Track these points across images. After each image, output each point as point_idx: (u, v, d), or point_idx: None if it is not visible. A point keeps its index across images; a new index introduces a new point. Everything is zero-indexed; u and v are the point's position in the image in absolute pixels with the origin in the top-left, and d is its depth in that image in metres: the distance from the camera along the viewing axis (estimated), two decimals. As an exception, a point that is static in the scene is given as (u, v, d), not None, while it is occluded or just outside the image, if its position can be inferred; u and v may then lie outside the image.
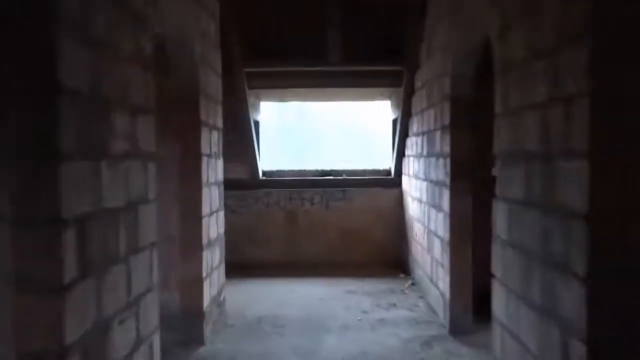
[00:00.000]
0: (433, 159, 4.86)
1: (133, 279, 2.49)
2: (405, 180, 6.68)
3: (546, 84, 2.33)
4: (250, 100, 6.77)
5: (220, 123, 4.71)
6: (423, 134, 5.42)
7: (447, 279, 4.33)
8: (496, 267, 3.03)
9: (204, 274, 4.07)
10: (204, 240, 4.09)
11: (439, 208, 4.62)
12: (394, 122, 7.15)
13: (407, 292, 5.66)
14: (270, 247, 6.94)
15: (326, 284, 5.99)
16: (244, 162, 6.94)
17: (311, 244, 6.93)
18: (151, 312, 2.72)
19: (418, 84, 5.76)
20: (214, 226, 4.42)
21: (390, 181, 7.04)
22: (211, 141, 4.35)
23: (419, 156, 5.64)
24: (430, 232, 5.04)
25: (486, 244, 3.13)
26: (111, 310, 2.23)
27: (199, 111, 4.00)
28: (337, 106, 7.83)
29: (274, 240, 6.95)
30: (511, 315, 2.78)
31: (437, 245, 4.74)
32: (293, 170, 7.45)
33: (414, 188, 5.98)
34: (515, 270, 2.71)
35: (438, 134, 4.64)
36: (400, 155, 6.82)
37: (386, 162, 7.46)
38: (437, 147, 4.66)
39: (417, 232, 5.75)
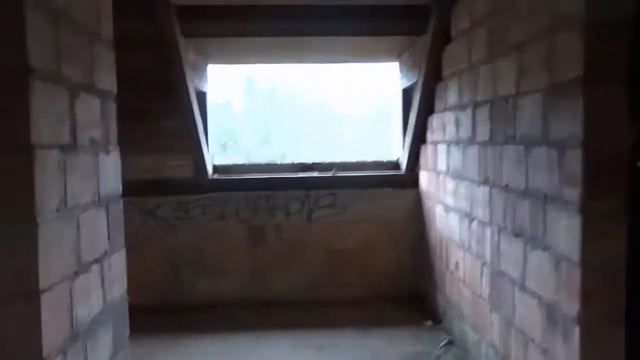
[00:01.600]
0: (514, 149, 2.69)
1: None
2: (427, 177, 4.51)
3: None
4: (189, 57, 4.43)
5: (109, 83, 2.39)
6: (477, 104, 3.24)
7: (565, 387, 2.19)
8: None
9: (54, 418, 1.80)
10: (49, 342, 1.81)
11: (535, 241, 2.46)
12: (406, 92, 4.96)
13: (445, 359, 3.53)
14: (225, 278, 4.70)
15: (312, 348, 3.80)
16: (183, 153, 4.65)
17: (287, 274, 4.73)
18: None
19: (462, 24, 3.55)
20: (90, 295, 2.14)
21: (401, 179, 4.86)
22: (75, 116, 2.04)
23: (465, 142, 3.47)
24: (501, 277, 2.88)
25: None
26: None
27: (25, 46, 1.70)
28: (321, 81, 5.62)
29: (231, 268, 4.72)
30: None
31: (524, 307, 2.58)
32: (259, 165, 5.19)
33: (450, 193, 3.81)
34: None
35: (534, 101, 2.45)
36: (417, 140, 4.64)
37: (390, 150, 5.30)
38: (530, 127, 2.48)
39: (460, 264, 3.61)
